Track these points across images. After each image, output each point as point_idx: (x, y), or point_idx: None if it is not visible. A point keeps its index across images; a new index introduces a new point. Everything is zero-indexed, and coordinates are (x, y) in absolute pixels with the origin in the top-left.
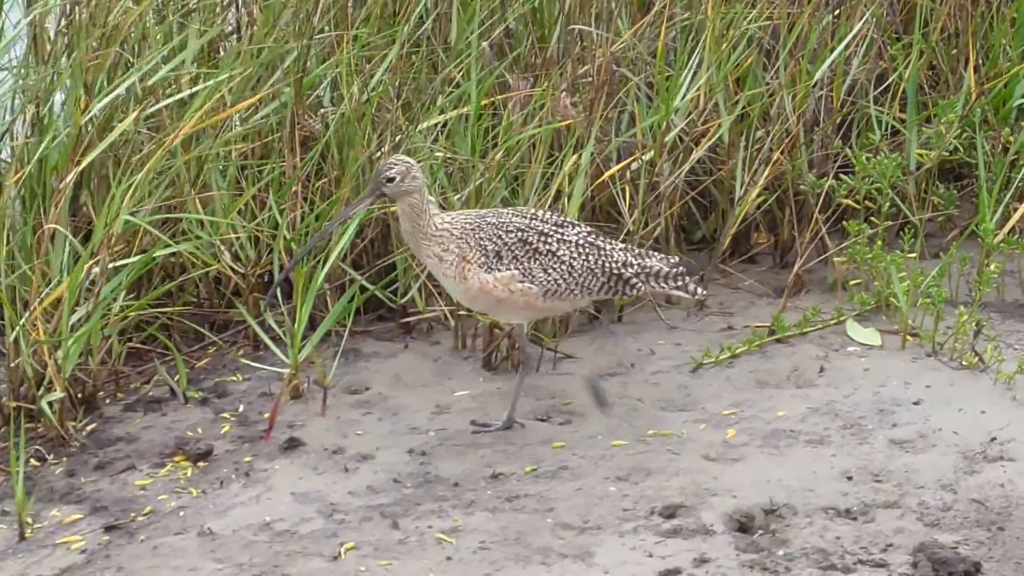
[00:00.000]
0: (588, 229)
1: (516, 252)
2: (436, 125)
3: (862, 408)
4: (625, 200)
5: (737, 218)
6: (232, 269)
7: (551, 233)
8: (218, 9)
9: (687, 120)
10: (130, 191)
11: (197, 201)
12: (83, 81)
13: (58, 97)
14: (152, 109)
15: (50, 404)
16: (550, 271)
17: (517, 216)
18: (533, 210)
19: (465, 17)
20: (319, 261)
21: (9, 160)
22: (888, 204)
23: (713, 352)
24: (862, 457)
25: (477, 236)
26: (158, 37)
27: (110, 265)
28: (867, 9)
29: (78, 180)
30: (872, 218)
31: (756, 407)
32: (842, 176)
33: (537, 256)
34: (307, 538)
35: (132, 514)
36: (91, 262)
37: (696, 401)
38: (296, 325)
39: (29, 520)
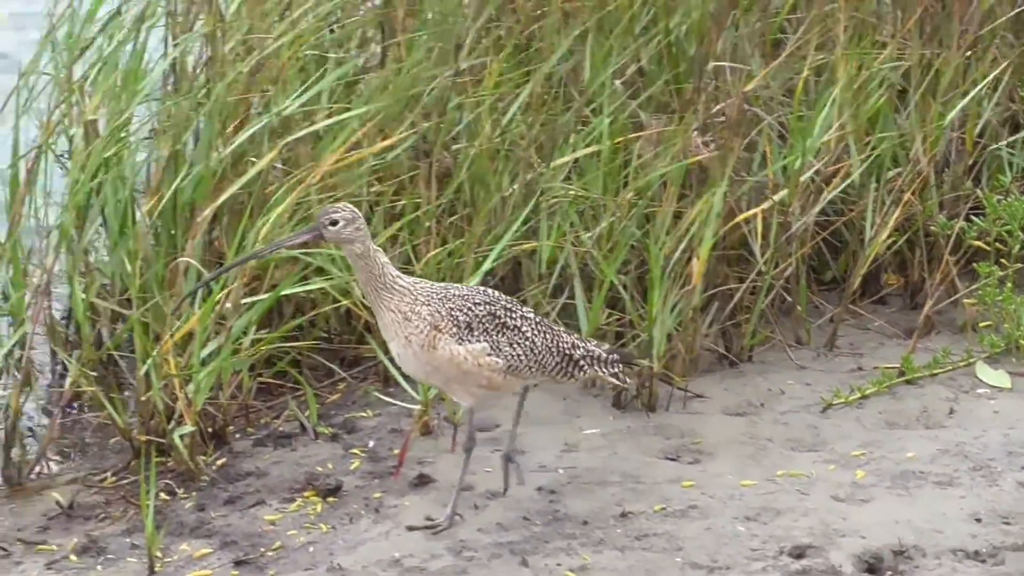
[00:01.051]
0: (531, 309)
1: (486, 325)
2: (568, 163)
3: (991, 450)
4: (757, 239)
5: (868, 259)
6: (363, 305)
7: (513, 309)
8: (357, 44)
9: (822, 161)
10: (267, 227)
11: None
12: (221, 116)
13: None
14: (286, 142)
15: (181, 438)
16: (515, 346)
17: (474, 291)
18: (482, 287)
19: (599, 56)
20: None
21: (145, 193)
22: (1019, 246)
23: (843, 392)
24: (991, 499)
25: (448, 306)
26: (297, 72)
27: (242, 300)
28: (999, 52)
29: (213, 214)
30: (1003, 260)
31: (885, 448)
32: (973, 218)
33: (504, 331)
34: (436, 575)
35: (261, 549)
36: (222, 296)
37: (825, 441)
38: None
39: (159, 554)
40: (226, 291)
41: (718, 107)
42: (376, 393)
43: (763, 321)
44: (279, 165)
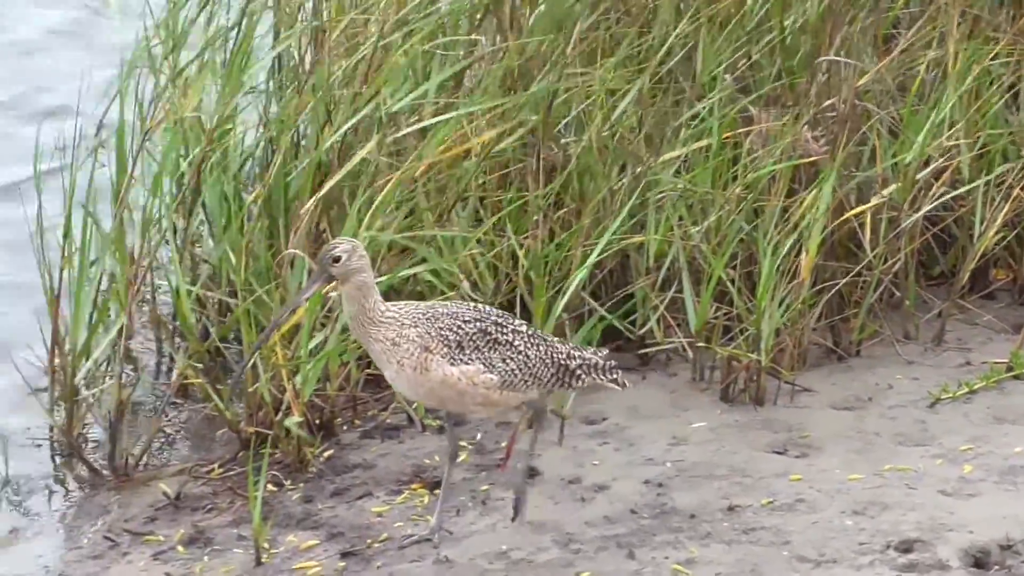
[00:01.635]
0: (523, 322)
1: (477, 343)
2: (678, 157)
3: None
4: (866, 234)
5: (977, 253)
6: (471, 297)
7: (504, 324)
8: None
9: (935, 158)
10: (368, 215)
11: (437, 229)
12: (326, 108)
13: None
14: (393, 137)
15: (288, 429)
16: (508, 362)
17: (463, 308)
18: (472, 304)
19: (710, 50)
20: (558, 291)
21: (251, 185)
22: None
23: (951, 387)
24: None
25: (437, 326)
26: (403, 64)
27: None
28: None
29: (319, 206)
30: None
31: (993, 443)
32: None
33: (496, 347)
34: (543, 567)
35: (368, 541)
36: (329, 287)
37: (933, 436)
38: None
39: (266, 545)
40: (334, 283)
41: (829, 102)
42: None
43: (871, 316)
44: (386, 159)
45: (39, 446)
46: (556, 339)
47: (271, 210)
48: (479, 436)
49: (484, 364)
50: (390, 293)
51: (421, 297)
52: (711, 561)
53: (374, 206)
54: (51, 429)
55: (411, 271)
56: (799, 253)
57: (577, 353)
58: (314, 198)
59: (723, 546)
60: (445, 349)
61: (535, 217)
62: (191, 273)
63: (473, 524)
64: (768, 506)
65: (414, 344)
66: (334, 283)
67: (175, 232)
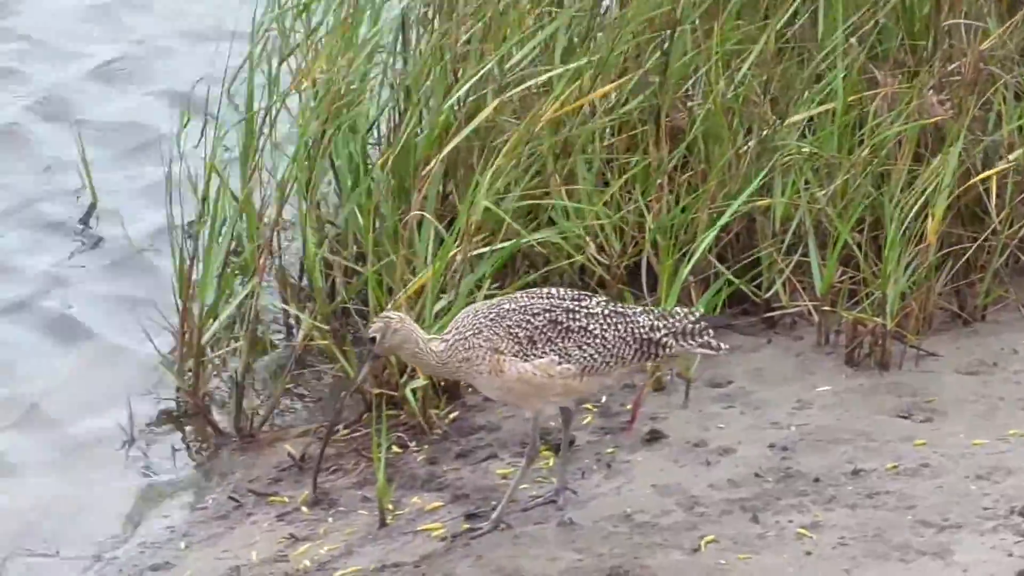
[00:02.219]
0: (604, 299)
1: (549, 334)
2: (803, 120)
3: None
4: (992, 199)
5: None
6: (596, 260)
7: (576, 309)
8: None
9: None
10: (493, 178)
11: (563, 192)
12: (450, 68)
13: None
14: (511, 94)
15: (413, 392)
16: (584, 348)
17: (535, 298)
18: (547, 289)
19: (834, 12)
20: (684, 254)
21: (379, 148)
22: None
23: None
24: None
25: (504, 325)
26: (523, 23)
27: (473, 253)
28: None
29: (446, 169)
30: None
31: None
32: None
33: (570, 335)
34: (667, 530)
35: (492, 503)
36: (455, 250)
37: None
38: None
39: (390, 507)
40: (459, 246)
41: (954, 65)
42: None
43: (997, 280)
44: (511, 119)
45: (166, 407)
46: (640, 309)
47: (398, 172)
48: (604, 399)
49: (558, 355)
50: (516, 256)
51: (546, 260)
52: (835, 525)
53: (496, 163)
54: (177, 390)
55: (537, 237)
56: (925, 217)
57: (662, 323)
58: (436, 159)
59: (847, 510)
60: (516, 347)
61: (660, 180)
62: (318, 235)
63: (598, 487)
64: (892, 471)
65: (483, 349)
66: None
67: (304, 194)
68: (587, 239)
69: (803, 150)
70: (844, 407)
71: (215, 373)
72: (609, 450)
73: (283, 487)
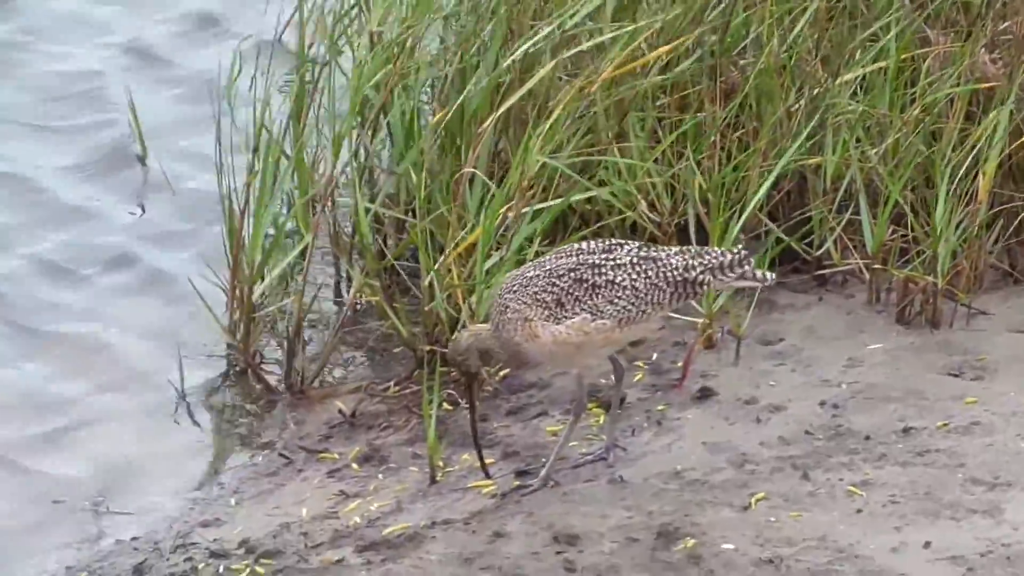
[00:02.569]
0: (637, 244)
1: (576, 294)
2: (855, 79)
3: None
4: None
5: None
6: (648, 218)
7: (602, 263)
8: None
9: None
10: (545, 134)
11: (616, 150)
12: (506, 26)
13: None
14: (570, 54)
15: None
16: (616, 301)
17: (562, 257)
18: (577, 245)
19: None
20: (735, 212)
21: (432, 105)
22: None
23: None
24: None
25: (531, 291)
26: None
27: (525, 210)
28: None
29: (497, 126)
30: None
31: None
32: None
33: (597, 291)
34: (717, 488)
35: (543, 460)
36: (507, 207)
37: None
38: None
39: (440, 464)
40: (509, 203)
41: (1006, 24)
42: None
43: None
44: (564, 77)
45: (217, 364)
46: (673, 250)
47: (450, 129)
48: (655, 356)
49: (590, 312)
50: (567, 212)
51: (598, 217)
52: (885, 483)
53: (550, 121)
54: (228, 347)
55: (588, 194)
56: (976, 176)
57: (697, 261)
58: (492, 117)
59: (898, 468)
60: (545, 312)
61: (712, 138)
62: (370, 191)
63: (648, 444)
64: (943, 429)
65: (515, 318)
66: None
67: (356, 151)
68: (638, 197)
69: (855, 109)
70: (895, 365)
71: (266, 330)
72: (660, 407)
73: (333, 444)
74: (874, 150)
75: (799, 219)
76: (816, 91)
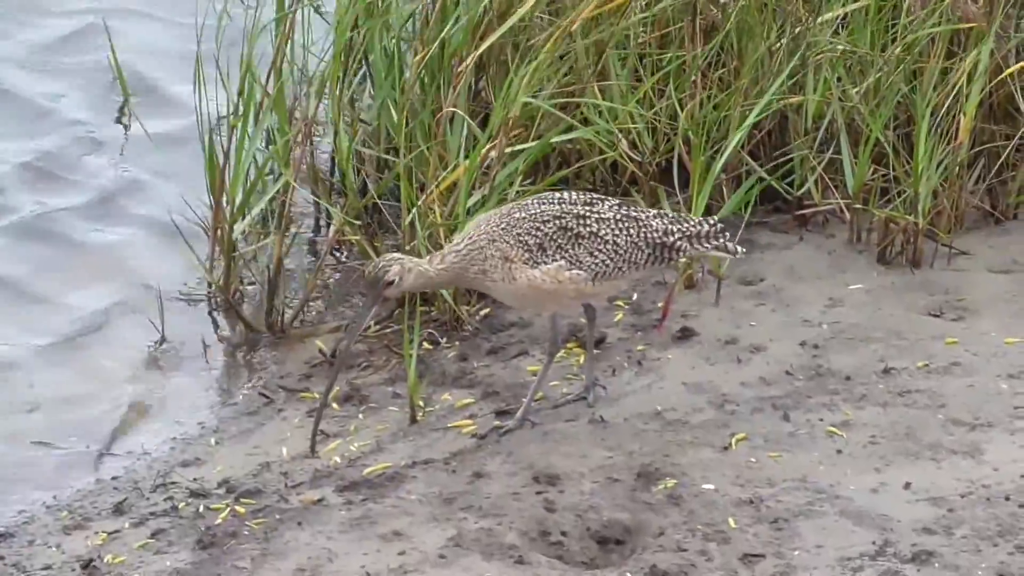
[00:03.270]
0: (618, 201)
1: (559, 241)
2: (836, 18)
3: None
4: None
5: None
6: (629, 157)
7: (587, 215)
8: None
9: None
10: (532, 77)
11: (596, 89)
12: None
13: None
14: None
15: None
16: (596, 254)
17: (546, 204)
18: (558, 194)
19: None
20: (717, 151)
21: (412, 42)
22: None
23: None
24: None
25: (514, 233)
26: None
27: (507, 150)
28: None
29: (477, 65)
30: None
31: None
32: None
33: (580, 241)
34: (698, 428)
35: (523, 400)
36: (489, 146)
37: None
38: (692, 214)
39: (421, 403)
40: (492, 142)
41: None
42: None
43: None
44: (545, 16)
45: (196, 303)
46: (653, 213)
47: (430, 67)
48: (635, 296)
49: (568, 261)
50: (548, 152)
51: (579, 156)
52: (866, 423)
53: (533, 65)
54: (209, 286)
55: (570, 136)
56: (957, 116)
57: (676, 226)
58: (472, 56)
59: (878, 408)
60: (526, 254)
61: (693, 77)
62: (350, 130)
63: (628, 384)
64: (924, 369)
65: (495, 258)
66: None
67: (336, 89)
68: (619, 136)
69: (836, 47)
70: (876, 305)
71: (246, 269)
72: (640, 347)
73: (314, 383)
74: (855, 89)
75: (780, 159)
76: (797, 29)
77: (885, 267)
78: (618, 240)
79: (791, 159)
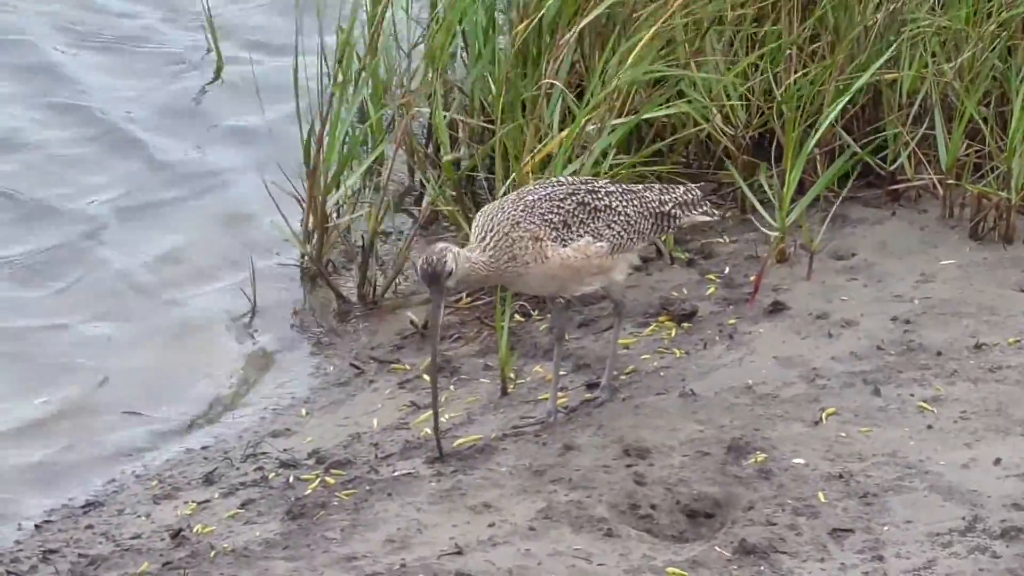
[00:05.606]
0: (607, 180)
1: (580, 216)
2: None
3: None
4: None
5: None
6: (723, 131)
7: (596, 189)
8: None
9: None
10: (636, 56)
11: (692, 63)
12: None
13: None
14: None
15: None
16: (613, 226)
17: (551, 186)
18: (555, 179)
19: None
20: (810, 126)
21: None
22: None
23: None
24: None
25: (538, 213)
26: None
27: (612, 123)
28: None
29: (576, 37)
30: None
31: None
32: None
33: (598, 214)
34: (788, 402)
35: (615, 373)
36: (586, 118)
37: None
38: (785, 189)
39: (512, 375)
40: (589, 114)
41: None
42: (732, 222)
43: None
44: None
45: (290, 273)
46: (642, 187)
47: (527, 39)
48: (727, 270)
49: (592, 235)
50: (642, 125)
51: (672, 130)
52: (956, 399)
53: (632, 42)
54: (302, 257)
55: (665, 112)
56: None
57: (667, 196)
58: (575, 28)
59: (969, 384)
60: (554, 233)
61: (788, 52)
62: (445, 101)
63: (719, 358)
64: (1015, 345)
65: (524, 239)
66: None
67: (433, 60)
68: (714, 110)
69: (931, 23)
70: (967, 280)
71: (340, 240)
72: (731, 321)
73: (404, 354)
74: (950, 65)
75: (874, 134)
76: (893, 5)
77: (977, 243)
78: (628, 211)
79: (885, 134)
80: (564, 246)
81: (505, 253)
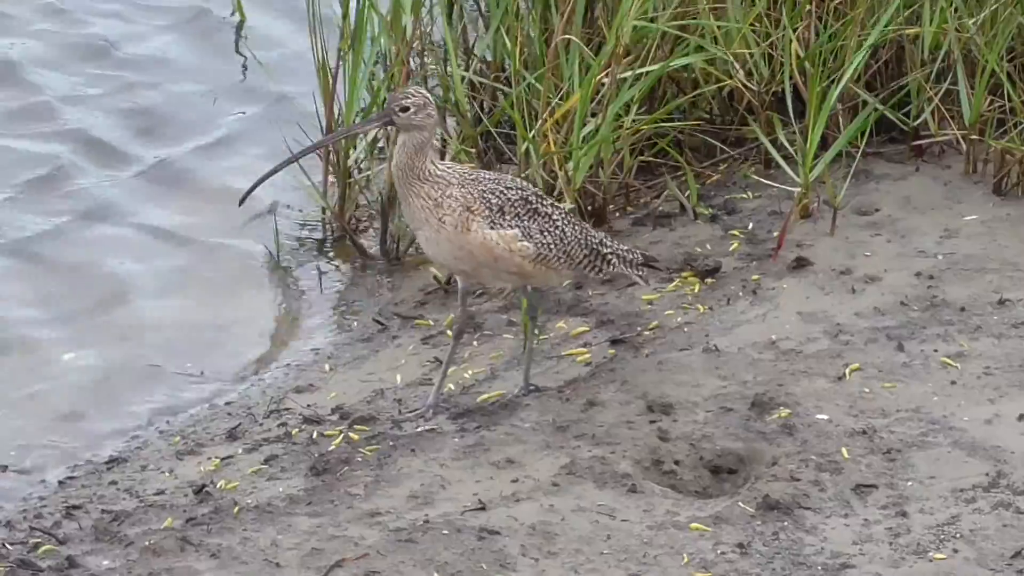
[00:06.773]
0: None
1: (519, 210)
2: None
3: None
4: None
5: None
6: (745, 86)
7: (544, 197)
8: None
9: None
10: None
11: (711, 16)
12: None
13: None
14: None
15: None
16: (545, 234)
17: (505, 178)
18: (510, 176)
19: None
20: (833, 80)
21: None
22: None
23: None
24: None
25: (480, 188)
26: None
27: (621, 76)
28: None
29: None
30: None
31: None
32: None
33: (536, 217)
34: (812, 358)
35: (638, 328)
36: (602, 73)
37: None
38: (808, 144)
39: (536, 332)
40: (606, 70)
41: None
42: (755, 177)
43: None
44: None
45: (312, 229)
46: (589, 226)
47: None
48: (751, 226)
49: (522, 231)
50: (664, 81)
51: (694, 85)
52: (980, 355)
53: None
54: (324, 212)
55: (684, 60)
56: None
57: (609, 243)
58: None
59: (993, 340)
60: (487, 211)
61: (807, 7)
62: (464, 58)
63: (743, 313)
64: None
65: (457, 202)
66: (391, 126)
67: (450, 15)
68: (735, 64)
69: None
70: (991, 236)
71: (362, 195)
72: (755, 277)
73: (428, 310)
74: (972, 20)
75: (896, 89)
76: None
77: (1001, 198)
78: (566, 230)
79: (907, 90)
80: (491, 228)
81: (438, 190)
